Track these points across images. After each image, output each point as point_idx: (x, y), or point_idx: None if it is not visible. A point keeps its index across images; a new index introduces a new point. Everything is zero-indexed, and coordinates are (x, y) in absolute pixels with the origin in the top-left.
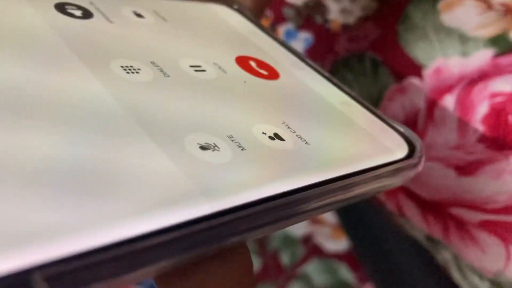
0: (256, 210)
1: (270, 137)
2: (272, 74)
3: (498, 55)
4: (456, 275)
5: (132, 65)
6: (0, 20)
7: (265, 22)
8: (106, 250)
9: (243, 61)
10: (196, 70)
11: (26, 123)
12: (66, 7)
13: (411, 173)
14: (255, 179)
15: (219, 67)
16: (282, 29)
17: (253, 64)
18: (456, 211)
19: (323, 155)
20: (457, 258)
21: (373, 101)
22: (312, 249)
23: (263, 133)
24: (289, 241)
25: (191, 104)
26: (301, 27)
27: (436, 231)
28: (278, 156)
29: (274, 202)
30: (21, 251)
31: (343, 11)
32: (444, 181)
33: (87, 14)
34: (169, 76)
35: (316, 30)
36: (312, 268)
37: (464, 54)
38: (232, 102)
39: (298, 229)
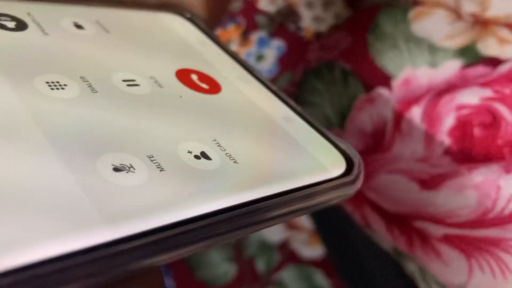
0: (164, 236)
1: (195, 156)
2: (213, 88)
3: (466, 66)
4: (422, 287)
5: (58, 80)
6: None
7: (237, 30)
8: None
9: (184, 75)
10: (128, 85)
11: None
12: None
13: (349, 191)
14: (166, 203)
15: (156, 81)
16: (254, 37)
17: (194, 77)
18: (420, 225)
19: (249, 175)
20: (422, 271)
21: (342, 111)
22: (288, 256)
23: (189, 151)
24: (265, 247)
25: (113, 122)
26: (273, 34)
27: (401, 244)
28: (199, 176)
29: (184, 227)
30: None
31: (316, 19)
32: (407, 194)
33: (20, 26)
34: (96, 91)
35: (288, 37)
36: (288, 275)
37: (433, 64)
38: (162, 118)
39: (275, 235)
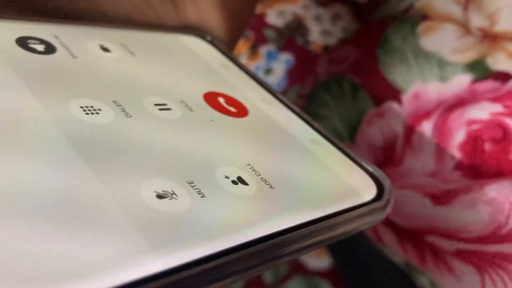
0: (215, 264)
1: (233, 181)
2: (241, 111)
3: (475, 81)
4: None
5: (92, 105)
6: None
7: (246, 44)
8: None
9: (211, 98)
10: (160, 109)
11: None
12: (28, 41)
13: (380, 216)
14: (213, 230)
15: (186, 105)
16: (263, 50)
17: (221, 100)
18: (432, 239)
19: (286, 201)
20: (434, 285)
21: (352, 125)
22: (295, 267)
23: (226, 177)
24: None
25: (151, 147)
26: (282, 48)
27: (413, 258)
28: (240, 203)
29: (235, 255)
30: None
31: (324, 32)
32: (420, 210)
33: (49, 49)
34: (131, 116)
35: (297, 51)
36: (295, 286)
37: (442, 78)
38: (196, 143)
39: None
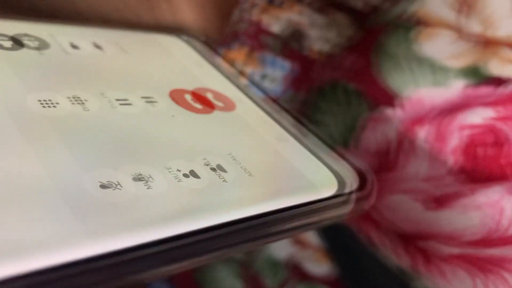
0: (152, 252)
1: (184, 175)
2: (207, 108)
3: (469, 86)
4: None
5: (50, 98)
6: None
7: (242, 50)
8: None
9: (177, 95)
10: (121, 104)
11: None
12: (23, 38)
13: (342, 211)
14: (151, 220)
15: (149, 101)
16: (259, 57)
17: (187, 97)
18: (424, 245)
19: (263, 187)
20: None
21: (347, 130)
22: (295, 272)
23: (178, 170)
24: (272, 263)
25: (102, 140)
26: (278, 54)
27: (406, 263)
28: (185, 194)
29: (172, 244)
30: None
31: (321, 39)
32: (411, 215)
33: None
34: (88, 110)
35: (293, 57)
36: None
37: (436, 84)
38: (151, 137)
39: (282, 251)
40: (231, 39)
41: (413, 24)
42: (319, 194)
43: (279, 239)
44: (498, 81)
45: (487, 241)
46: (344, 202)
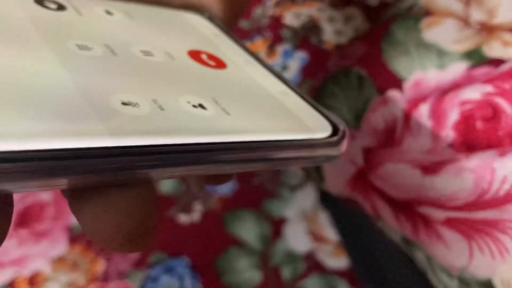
0: (154, 150)
1: (193, 106)
2: (219, 65)
3: (471, 67)
4: (431, 276)
5: (86, 44)
6: None
7: (264, 43)
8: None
9: (194, 54)
10: (145, 55)
11: None
12: (44, 1)
13: (333, 152)
14: (161, 130)
15: (169, 55)
16: (280, 49)
17: (203, 56)
18: (423, 210)
19: (238, 123)
20: (429, 259)
21: (358, 113)
22: (313, 265)
23: (188, 102)
24: (291, 257)
25: (127, 74)
26: (297, 47)
27: (408, 231)
28: (192, 118)
29: (174, 147)
30: None
31: (337, 32)
32: (410, 180)
33: (61, 7)
34: (117, 55)
35: (311, 50)
36: (312, 283)
37: (441, 67)
38: (169, 78)
39: (301, 245)
40: (254, 33)
41: (422, 15)
42: (314, 134)
43: (273, 167)
44: (498, 62)
45: (480, 203)
46: (336, 143)
